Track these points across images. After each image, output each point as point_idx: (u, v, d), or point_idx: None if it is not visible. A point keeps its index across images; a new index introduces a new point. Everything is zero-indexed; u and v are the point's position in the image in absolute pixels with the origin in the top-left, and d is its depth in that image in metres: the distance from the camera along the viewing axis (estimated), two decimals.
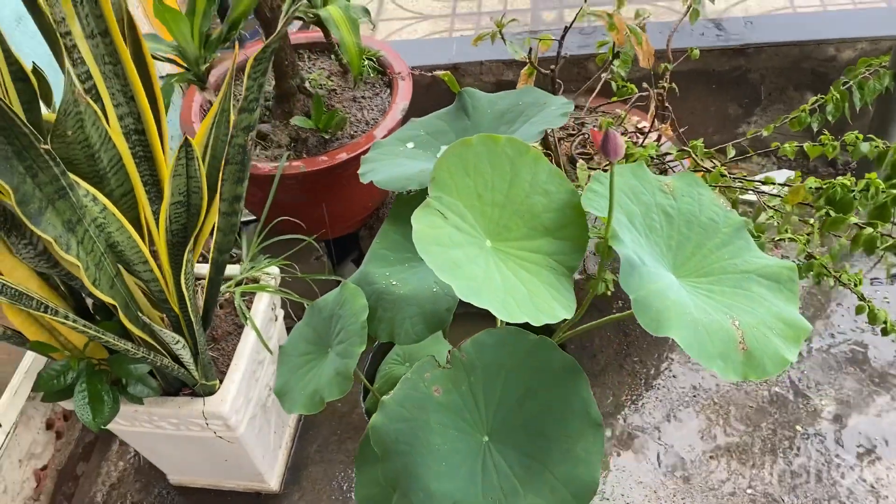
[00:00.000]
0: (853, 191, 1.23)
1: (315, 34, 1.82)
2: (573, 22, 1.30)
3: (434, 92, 1.95)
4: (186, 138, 0.93)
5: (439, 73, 1.47)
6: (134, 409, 1.28)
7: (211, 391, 1.29)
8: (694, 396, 1.63)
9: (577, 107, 1.84)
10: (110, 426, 1.39)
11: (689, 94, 1.99)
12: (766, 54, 1.88)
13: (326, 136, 1.60)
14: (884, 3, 2.08)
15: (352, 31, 1.51)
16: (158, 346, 1.20)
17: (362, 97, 1.70)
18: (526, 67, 1.49)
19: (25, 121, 0.82)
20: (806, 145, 1.44)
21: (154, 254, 1.11)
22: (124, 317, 1.09)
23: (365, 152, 1.54)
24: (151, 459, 1.54)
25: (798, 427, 1.56)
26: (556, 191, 1.07)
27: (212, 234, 1.11)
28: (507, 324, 1.22)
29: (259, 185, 1.55)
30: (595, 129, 0.85)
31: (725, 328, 0.99)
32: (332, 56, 1.77)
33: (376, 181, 1.26)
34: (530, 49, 1.41)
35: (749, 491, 1.47)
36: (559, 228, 1.07)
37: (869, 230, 1.19)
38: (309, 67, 1.78)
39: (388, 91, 1.71)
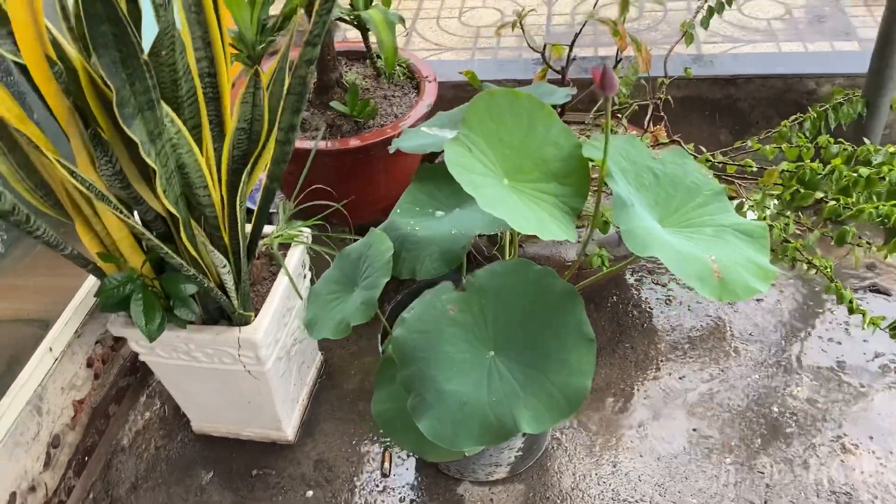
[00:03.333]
0: (820, 174, 1.41)
1: (352, 44, 2.04)
2: (582, 27, 1.51)
3: (458, 102, 2.18)
4: (257, 69, 1.12)
5: (463, 71, 1.68)
6: (176, 335, 1.43)
7: (247, 321, 1.44)
8: (680, 380, 1.77)
9: (582, 122, 2.05)
10: (149, 360, 1.55)
11: (684, 119, 2.20)
12: (754, 85, 2.09)
13: (359, 123, 1.80)
14: (858, 47, 2.32)
15: (389, 31, 1.73)
16: (206, 270, 1.36)
17: (393, 96, 1.91)
18: (540, 69, 1.70)
19: (135, 32, 1.01)
20: (784, 146, 1.64)
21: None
22: (183, 233, 1.26)
23: (390, 138, 1.74)
24: (179, 401, 1.68)
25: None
26: (565, 144, 1.26)
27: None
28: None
29: (296, 161, 1.73)
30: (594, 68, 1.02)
31: (702, 259, 1.16)
32: (368, 61, 1.99)
33: (402, 147, 1.45)
34: (544, 50, 1.62)
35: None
36: (565, 175, 1.25)
37: (833, 203, 1.36)
38: (346, 71, 1.99)
39: (416, 92, 1.92)
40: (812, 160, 1.59)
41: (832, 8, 2.62)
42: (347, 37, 2.44)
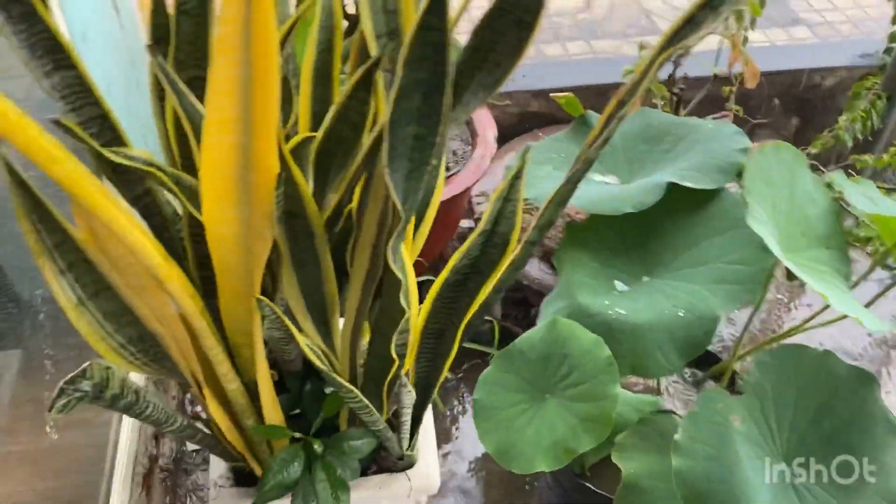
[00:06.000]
0: None
1: None
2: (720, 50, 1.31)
3: None
4: (528, 146, 0.79)
5: (556, 95, 1.40)
6: None
7: (411, 462, 1.09)
8: None
9: None
10: None
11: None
12: (760, 83, 2.02)
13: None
14: (809, 33, 2.36)
15: None
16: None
17: None
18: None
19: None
20: (886, 156, 1.57)
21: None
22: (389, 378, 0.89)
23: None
24: None
25: None
26: (820, 199, 1.06)
27: None
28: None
29: None
30: None
31: None
32: None
33: (576, 204, 1.18)
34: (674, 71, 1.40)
35: None
36: (828, 237, 1.06)
37: None
38: None
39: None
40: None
41: None
42: None
